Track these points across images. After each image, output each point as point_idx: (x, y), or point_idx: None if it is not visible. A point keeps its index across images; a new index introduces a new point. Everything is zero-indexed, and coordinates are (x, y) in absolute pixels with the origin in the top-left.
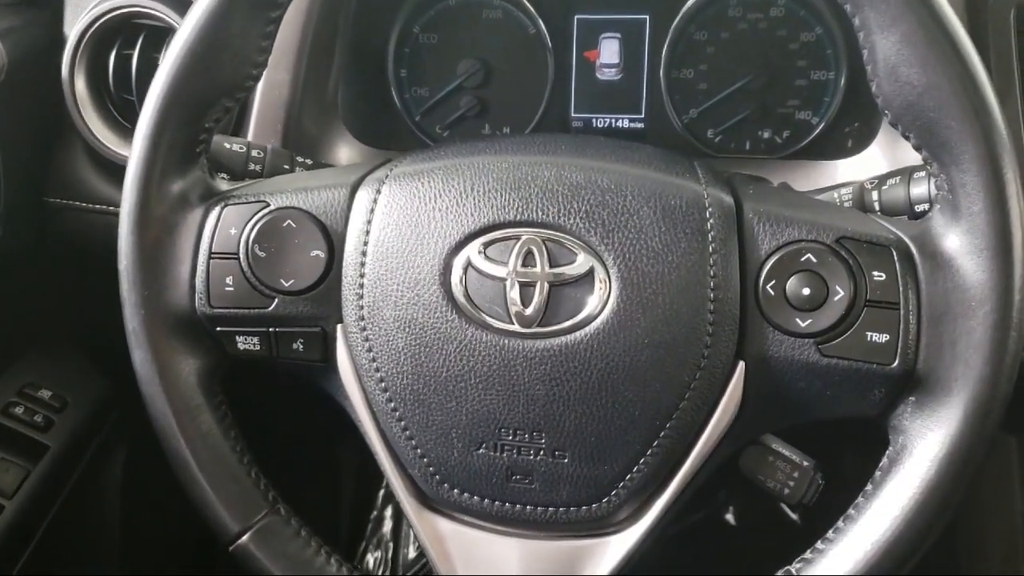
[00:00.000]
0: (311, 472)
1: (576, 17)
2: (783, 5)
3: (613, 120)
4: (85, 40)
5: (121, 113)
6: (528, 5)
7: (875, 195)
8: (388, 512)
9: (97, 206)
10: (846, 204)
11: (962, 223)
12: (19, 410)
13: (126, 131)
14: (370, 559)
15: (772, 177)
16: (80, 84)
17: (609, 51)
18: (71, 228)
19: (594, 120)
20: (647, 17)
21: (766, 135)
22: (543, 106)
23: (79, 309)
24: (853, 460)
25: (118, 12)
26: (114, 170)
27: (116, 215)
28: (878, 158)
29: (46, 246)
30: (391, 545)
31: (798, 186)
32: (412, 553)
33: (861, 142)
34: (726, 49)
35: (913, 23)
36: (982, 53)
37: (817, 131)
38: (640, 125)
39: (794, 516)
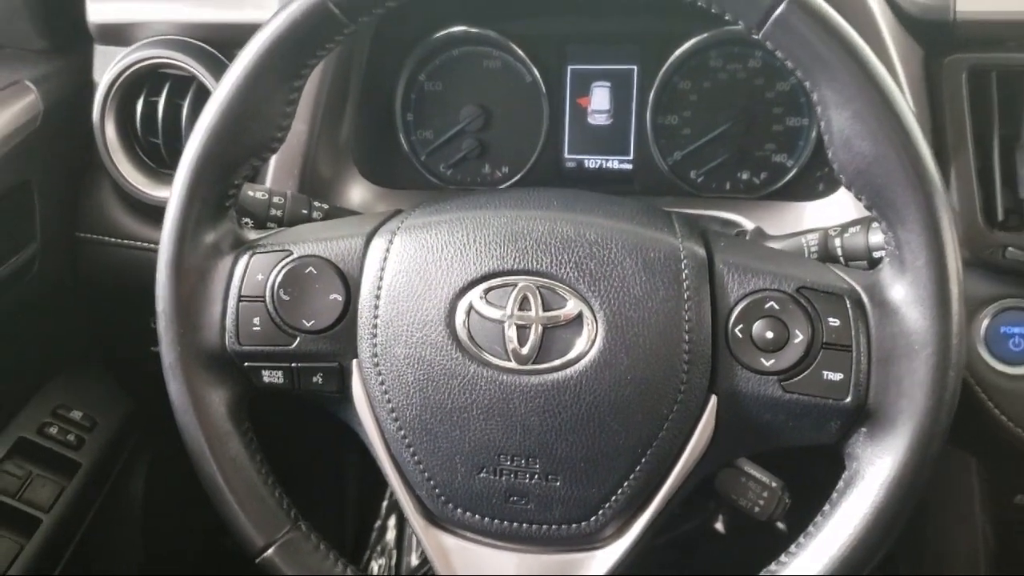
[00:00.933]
0: (317, 482)
1: (569, 67)
2: (760, 57)
3: (603, 161)
4: (115, 88)
5: (147, 155)
6: (525, 56)
7: (838, 242)
8: (391, 522)
9: (125, 241)
10: (812, 250)
11: (907, 276)
12: (53, 430)
13: (152, 171)
14: (375, 566)
15: (749, 216)
16: (110, 128)
17: (600, 98)
18: (100, 261)
19: (586, 161)
20: (635, 67)
21: (745, 176)
22: (539, 148)
23: (106, 335)
24: (825, 478)
25: (145, 63)
26: (141, 207)
27: (142, 249)
28: (845, 202)
29: (77, 277)
30: (395, 552)
31: (772, 227)
32: (415, 560)
33: (830, 186)
34: (708, 97)
35: (865, 102)
36: (939, 109)
37: (792, 173)
38: (628, 166)
39: (782, 526)
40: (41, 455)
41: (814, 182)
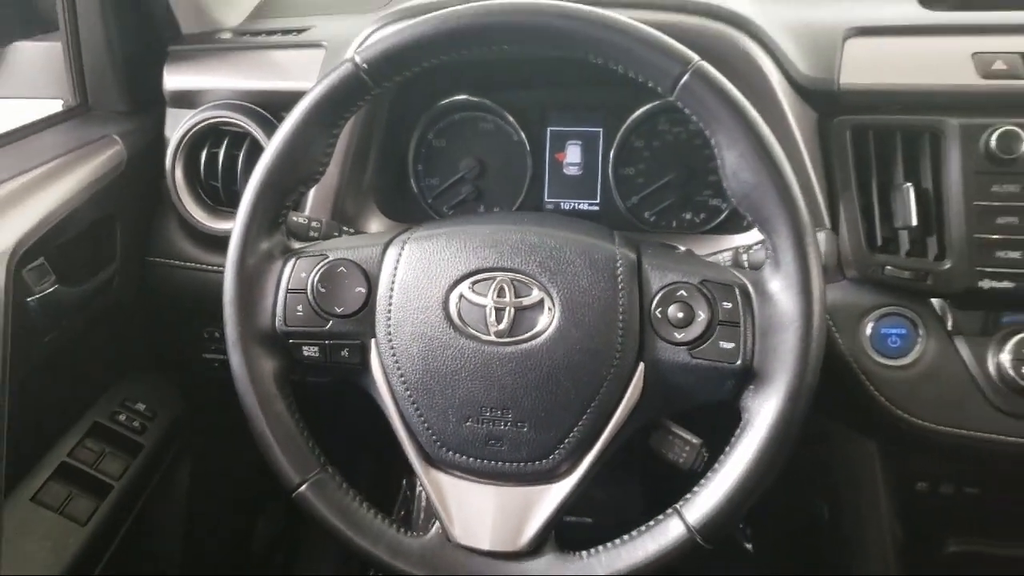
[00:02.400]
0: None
1: (549, 129)
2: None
3: (576, 204)
4: (184, 142)
5: (208, 195)
6: (513, 120)
7: (744, 256)
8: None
9: (187, 264)
10: (726, 261)
11: (780, 272)
12: (122, 417)
13: (211, 208)
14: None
15: (691, 246)
16: (179, 174)
17: (573, 154)
18: (165, 280)
19: (561, 203)
20: (600, 130)
21: (688, 216)
22: (523, 193)
23: (166, 343)
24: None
25: (208, 122)
26: (200, 237)
27: (200, 271)
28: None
29: (145, 293)
30: None
31: (704, 251)
32: None
33: (753, 223)
34: (657, 153)
35: (747, 145)
36: (830, 160)
37: (724, 214)
38: (596, 208)
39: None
40: (112, 437)
41: (740, 219)
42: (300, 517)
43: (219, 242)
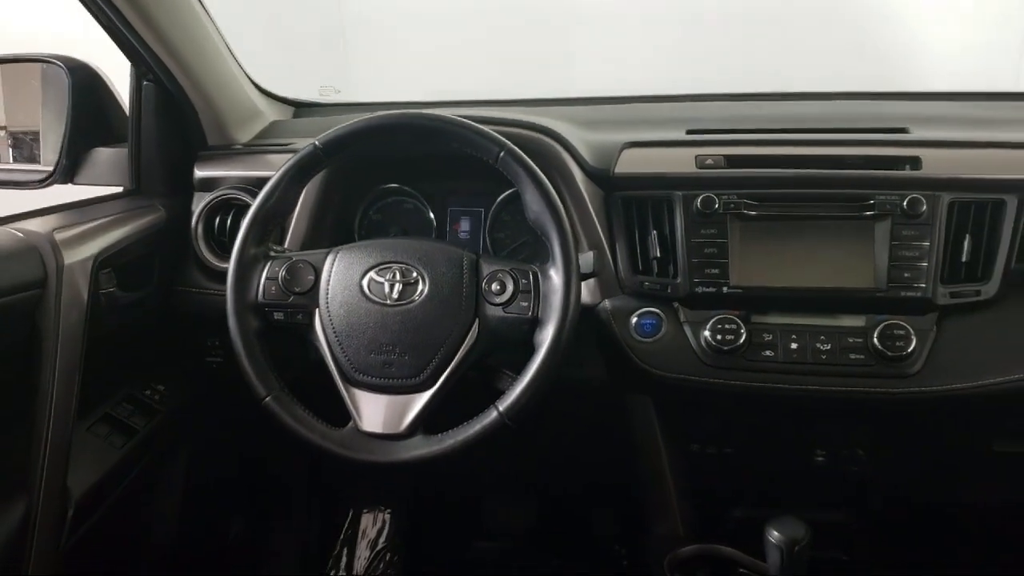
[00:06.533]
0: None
1: (449, 208)
2: None
3: None
4: (203, 211)
5: (218, 245)
6: (425, 202)
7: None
8: (344, 551)
9: (201, 290)
10: None
11: (555, 263)
12: (147, 392)
13: (217, 254)
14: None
15: None
16: (200, 231)
17: (464, 224)
18: (184, 301)
19: None
20: (482, 209)
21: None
22: None
23: (180, 347)
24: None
25: (221, 198)
26: (210, 272)
27: (209, 294)
28: None
29: (170, 311)
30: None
31: None
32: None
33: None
34: (517, 222)
35: (535, 189)
36: (609, 218)
37: None
38: None
39: None
40: (139, 403)
41: None
42: (276, 504)
43: (221, 275)
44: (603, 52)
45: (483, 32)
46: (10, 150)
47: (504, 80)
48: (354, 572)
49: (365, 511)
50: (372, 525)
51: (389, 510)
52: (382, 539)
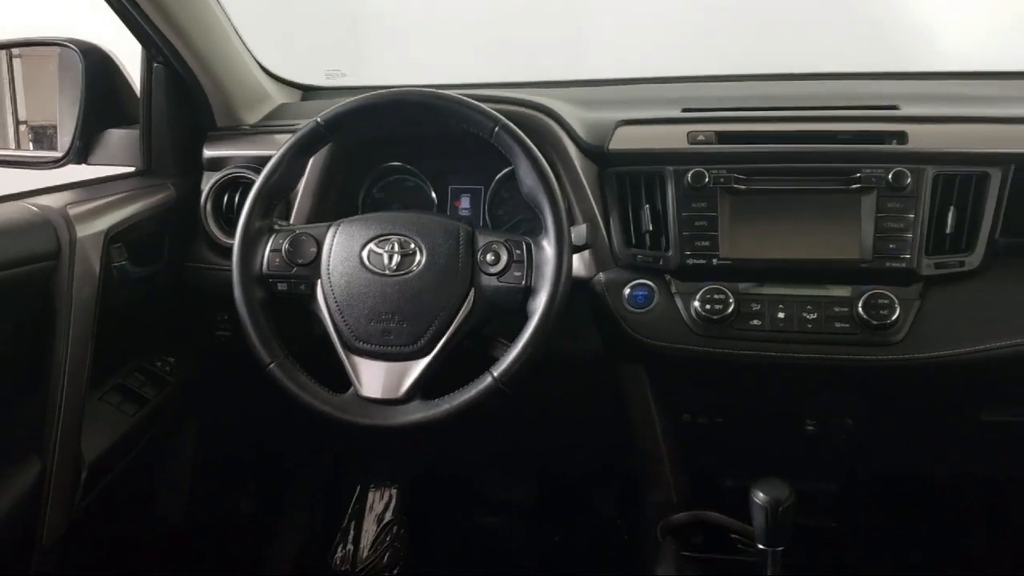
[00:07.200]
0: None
1: (449, 187)
2: None
3: None
4: (212, 189)
5: (226, 222)
6: (427, 180)
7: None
8: (352, 523)
9: (210, 265)
10: None
11: (549, 233)
12: (158, 363)
13: (225, 230)
14: (339, 555)
15: None
16: (209, 209)
17: (465, 202)
18: (194, 277)
19: None
20: (482, 187)
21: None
22: None
23: (190, 321)
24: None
25: (228, 176)
26: (218, 249)
27: (218, 270)
28: None
29: (181, 286)
30: (352, 548)
31: None
32: (365, 554)
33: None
34: (515, 199)
35: (529, 163)
36: (606, 196)
37: None
38: None
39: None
40: (150, 374)
41: None
42: (284, 481)
43: (230, 251)
44: (604, 35)
45: (484, 16)
46: (31, 144)
47: (507, 61)
48: (361, 545)
49: (372, 487)
50: (379, 500)
51: (396, 486)
52: (388, 513)
